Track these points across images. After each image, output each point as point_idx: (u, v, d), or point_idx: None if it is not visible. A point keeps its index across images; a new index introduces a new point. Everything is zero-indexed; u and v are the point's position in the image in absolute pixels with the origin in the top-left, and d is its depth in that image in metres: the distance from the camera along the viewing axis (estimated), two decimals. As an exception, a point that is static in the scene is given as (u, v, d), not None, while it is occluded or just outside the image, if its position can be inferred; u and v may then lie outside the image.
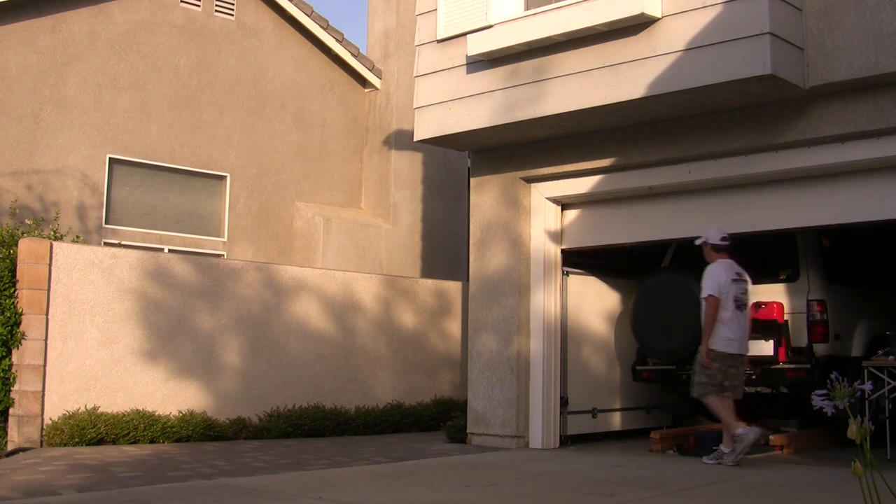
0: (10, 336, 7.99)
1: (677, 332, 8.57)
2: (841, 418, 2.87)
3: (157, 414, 8.67)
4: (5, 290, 8.05)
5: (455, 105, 8.27)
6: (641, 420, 9.67)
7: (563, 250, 8.86)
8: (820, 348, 8.30)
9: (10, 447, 7.79)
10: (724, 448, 7.15)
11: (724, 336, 7.21)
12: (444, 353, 11.27)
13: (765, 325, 8.27)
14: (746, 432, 6.98)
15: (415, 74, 8.73)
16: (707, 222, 7.74)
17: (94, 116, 10.97)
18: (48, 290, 8.22)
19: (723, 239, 7.40)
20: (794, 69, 6.58)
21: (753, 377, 8.41)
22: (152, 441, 8.50)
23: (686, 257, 9.47)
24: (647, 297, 8.68)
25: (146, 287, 8.86)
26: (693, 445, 8.06)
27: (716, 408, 7.24)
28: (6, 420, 7.97)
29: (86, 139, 10.89)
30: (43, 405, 8.10)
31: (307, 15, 12.68)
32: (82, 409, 8.28)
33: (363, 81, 13.48)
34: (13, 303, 8.05)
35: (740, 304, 7.27)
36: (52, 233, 8.94)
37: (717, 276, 7.25)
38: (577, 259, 9.23)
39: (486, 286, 8.88)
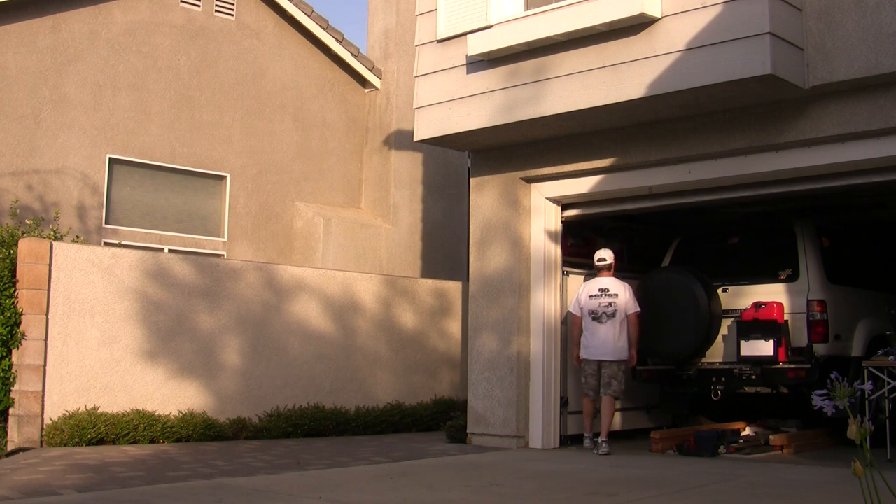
0: (10, 336, 7.99)
1: (677, 333, 8.57)
2: (841, 418, 2.87)
3: (157, 414, 8.67)
4: (5, 290, 8.05)
5: (455, 105, 8.27)
6: (641, 420, 9.68)
7: (563, 220, 8.92)
8: (820, 348, 8.30)
9: (10, 447, 7.80)
10: (602, 439, 8.02)
11: (582, 344, 8.35)
12: (444, 353, 11.27)
13: (765, 325, 8.27)
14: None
15: (415, 74, 8.73)
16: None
17: (93, 116, 10.97)
18: (48, 290, 8.22)
19: (600, 260, 8.40)
20: (794, 69, 6.58)
21: (753, 377, 8.41)
22: (152, 441, 8.50)
23: (686, 257, 9.48)
24: (647, 298, 8.67)
25: (146, 287, 8.86)
26: (693, 445, 8.06)
27: (598, 407, 8.21)
28: (6, 420, 7.97)
29: (86, 139, 10.89)
30: (43, 405, 8.11)
31: (307, 15, 12.68)
32: (82, 409, 8.28)
33: (363, 81, 13.48)
34: (13, 303, 8.05)
35: (595, 316, 8.24)
36: (52, 233, 8.93)
37: (577, 295, 8.47)
38: (578, 259, 9.22)
39: (486, 286, 8.88)
